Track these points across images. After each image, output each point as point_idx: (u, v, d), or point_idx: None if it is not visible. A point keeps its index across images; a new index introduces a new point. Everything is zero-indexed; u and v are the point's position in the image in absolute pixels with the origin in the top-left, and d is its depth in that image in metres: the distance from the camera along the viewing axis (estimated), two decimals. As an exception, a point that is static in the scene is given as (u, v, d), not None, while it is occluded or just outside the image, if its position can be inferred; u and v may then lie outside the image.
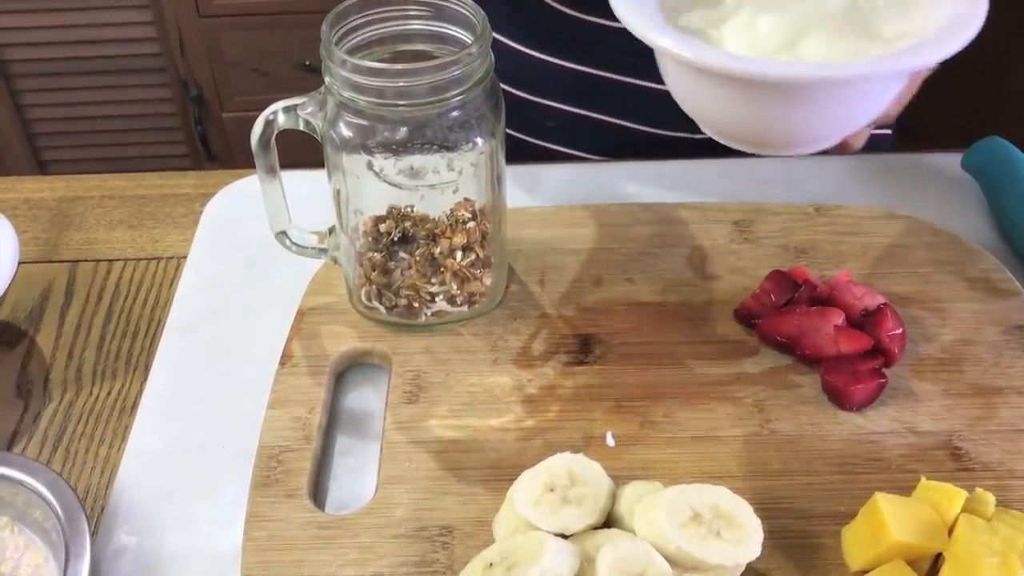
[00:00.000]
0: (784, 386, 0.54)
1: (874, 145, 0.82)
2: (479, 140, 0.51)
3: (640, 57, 0.77)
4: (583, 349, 0.56)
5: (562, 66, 0.76)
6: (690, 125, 0.79)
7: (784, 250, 0.62)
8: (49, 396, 0.59)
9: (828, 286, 0.57)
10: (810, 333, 0.54)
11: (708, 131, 0.52)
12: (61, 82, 1.54)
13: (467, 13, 0.51)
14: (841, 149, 0.55)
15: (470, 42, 0.51)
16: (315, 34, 1.60)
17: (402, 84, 0.48)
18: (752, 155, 0.74)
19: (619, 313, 0.58)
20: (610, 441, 0.51)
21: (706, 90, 0.47)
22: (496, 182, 0.54)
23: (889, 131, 0.82)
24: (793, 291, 0.57)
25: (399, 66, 0.48)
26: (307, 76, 1.54)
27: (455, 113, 0.50)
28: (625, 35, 0.75)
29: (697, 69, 0.46)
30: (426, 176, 0.53)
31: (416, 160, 0.52)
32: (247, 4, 1.48)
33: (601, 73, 0.75)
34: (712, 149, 0.78)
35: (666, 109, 0.79)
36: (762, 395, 0.54)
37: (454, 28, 0.51)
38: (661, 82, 0.78)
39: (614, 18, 0.75)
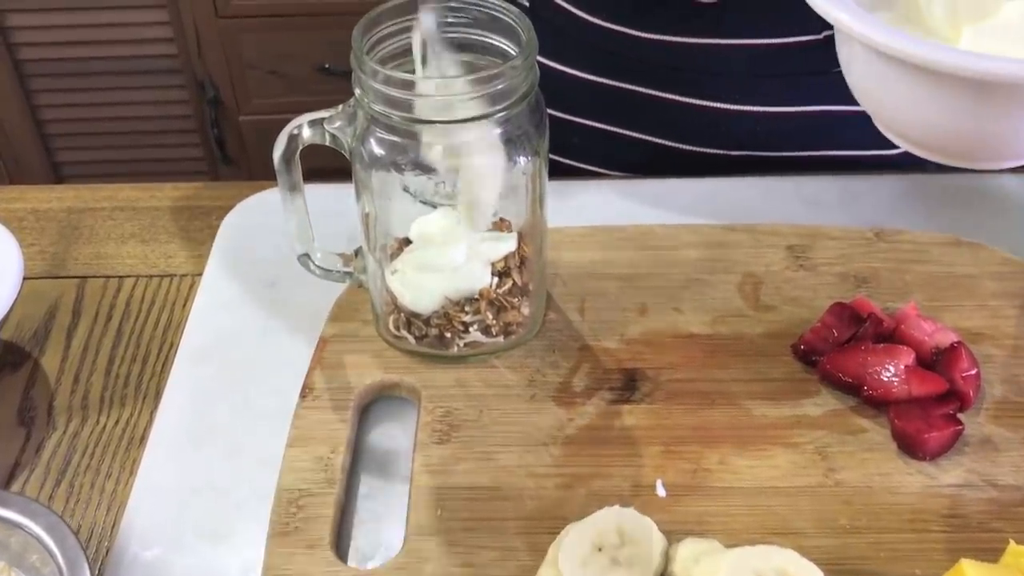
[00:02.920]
0: (849, 431, 0.50)
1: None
2: (521, 159, 0.47)
3: (670, 70, 0.72)
4: (628, 385, 0.52)
5: (589, 79, 0.72)
6: (723, 141, 0.75)
7: (843, 279, 0.58)
8: (53, 424, 0.55)
9: (894, 320, 0.53)
10: (877, 373, 0.50)
11: (903, 140, 0.46)
12: (75, 83, 1.51)
13: (511, 22, 0.47)
14: None
15: (514, 53, 0.46)
16: (335, 36, 1.55)
17: (439, 98, 0.44)
18: (799, 172, 0.70)
19: (667, 346, 0.54)
20: (660, 491, 0.47)
21: (924, 94, 0.41)
22: (538, 203, 0.50)
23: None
24: (857, 326, 0.52)
25: (436, 79, 0.44)
26: (326, 79, 1.50)
27: (497, 131, 0.46)
28: (655, 47, 0.71)
29: (921, 69, 0.39)
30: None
31: (452, 179, 0.48)
32: (266, 5, 1.45)
33: (630, 87, 0.71)
34: (746, 167, 0.74)
35: (698, 124, 0.75)
36: (825, 440, 0.49)
37: (496, 38, 0.47)
38: (693, 96, 0.73)
39: (644, 29, 0.71)
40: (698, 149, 0.73)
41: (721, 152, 0.72)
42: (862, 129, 0.75)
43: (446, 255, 0.49)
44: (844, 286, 0.57)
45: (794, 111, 0.71)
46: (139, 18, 1.45)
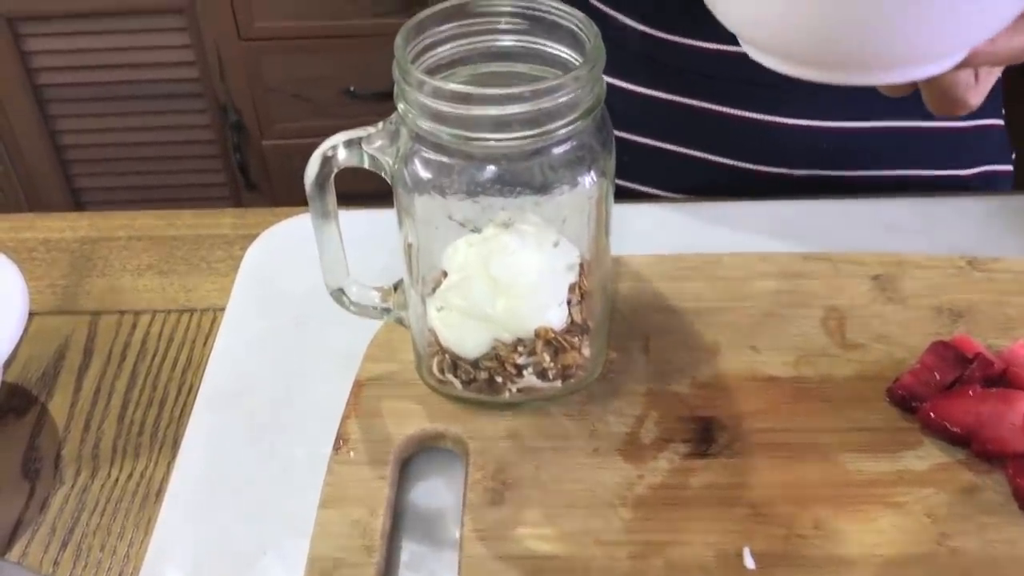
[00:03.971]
0: (960, 489, 0.43)
1: (1001, 183, 0.72)
2: (586, 181, 0.42)
3: (730, 83, 0.67)
4: (704, 437, 0.46)
5: (640, 92, 0.66)
6: (787, 159, 0.69)
7: (937, 313, 0.52)
8: (60, 478, 0.50)
9: (1003, 361, 0.47)
10: (992, 423, 0.44)
11: (753, 47, 0.38)
12: (95, 107, 1.47)
13: (573, 27, 0.41)
14: (943, 105, 0.41)
15: (577, 63, 0.41)
16: (359, 59, 1.50)
17: (495, 113, 0.39)
18: (875, 194, 0.65)
19: (744, 390, 0.48)
20: (749, 561, 0.41)
21: None
22: (603, 230, 0.44)
23: (1010, 167, 0.72)
24: (961, 368, 0.46)
25: (492, 91, 0.39)
26: (351, 102, 1.46)
27: (559, 149, 0.40)
28: (713, 57, 0.65)
29: None
30: (518, 225, 0.44)
31: (506, 204, 0.43)
32: (289, 27, 1.41)
33: (685, 100, 0.66)
34: (812, 188, 0.68)
35: (760, 141, 0.69)
36: (934, 501, 0.43)
37: (556, 45, 0.42)
38: (754, 110, 0.68)
39: (701, 38, 0.65)
40: (760, 168, 0.67)
41: (785, 171, 0.67)
42: (938, 147, 0.69)
43: (496, 301, 0.43)
44: (939, 321, 0.51)
45: (863, 127, 0.65)
46: (159, 41, 1.41)
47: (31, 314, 0.57)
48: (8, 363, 0.55)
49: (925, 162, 0.68)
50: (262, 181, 1.56)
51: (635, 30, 0.65)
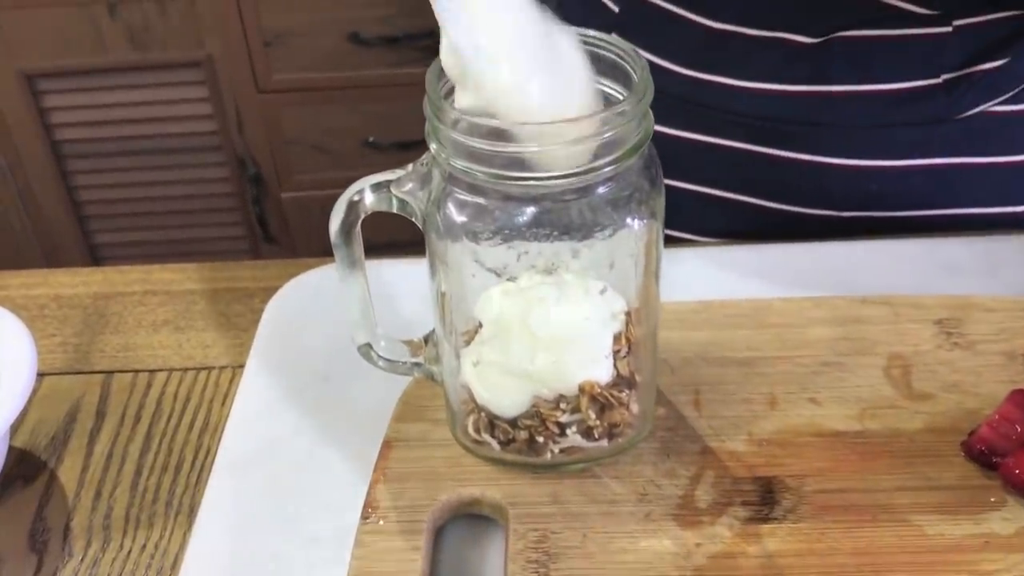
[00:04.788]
0: (1055, 555, 0.39)
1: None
2: (635, 223, 0.39)
3: (768, 122, 0.64)
4: (766, 499, 0.42)
5: (678, 136, 0.64)
6: (832, 201, 0.66)
7: (1010, 359, 0.48)
8: (69, 550, 0.47)
9: (1089, 411, 0.43)
10: (1086, 480, 0.40)
11: None
12: (113, 162, 1.47)
13: (616, 57, 0.38)
14: None
15: (620, 96, 0.38)
16: (378, 109, 1.48)
17: (534, 150, 0.36)
18: (929, 235, 0.61)
19: (806, 447, 0.44)
20: (825, 640, 0.37)
21: None
22: (653, 277, 0.41)
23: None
24: (1046, 418, 0.42)
25: (530, 126, 0.36)
26: (371, 153, 1.45)
27: (603, 188, 0.37)
28: (750, 97, 0.62)
29: None
30: (561, 271, 0.40)
31: (546, 249, 0.40)
32: (307, 79, 1.40)
33: (722, 142, 0.63)
34: (859, 230, 0.65)
35: (803, 182, 0.66)
36: (1027, 568, 0.39)
37: (598, 78, 0.39)
38: (795, 150, 0.65)
39: (737, 77, 0.63)
40: (804, 210, 0.64)
41: (831, 213, 0.63)
42: (992, 183, 0.65)
43: (535, 356, 0.40)
44: (1012, 368, 0.47)
45: (912, 164, 0.62)
46: (177, 95, 1.41)
47: (40, 374, 0.55)
48: (15, 427, 0.53)
49: (980, 200, 0.65)
50: (281, 233, 1.54)
51: (673, 72, 0.62)
